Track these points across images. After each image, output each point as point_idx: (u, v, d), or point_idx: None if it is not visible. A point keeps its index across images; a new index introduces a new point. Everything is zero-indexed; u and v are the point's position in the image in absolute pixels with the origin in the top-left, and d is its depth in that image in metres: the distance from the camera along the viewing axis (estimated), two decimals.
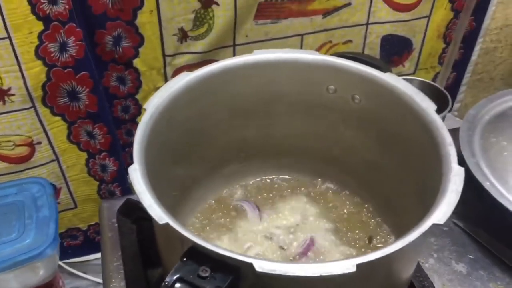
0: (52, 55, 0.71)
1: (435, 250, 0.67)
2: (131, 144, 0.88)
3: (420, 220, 0.42)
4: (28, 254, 0.63)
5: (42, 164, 0.81)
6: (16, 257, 0.63)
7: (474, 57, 1.02)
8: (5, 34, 0.67)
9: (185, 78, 0.56)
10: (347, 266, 0.38)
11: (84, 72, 0.74)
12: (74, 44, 0.71)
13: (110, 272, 0.63)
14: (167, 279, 0.38)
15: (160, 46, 0.79)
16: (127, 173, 0.89)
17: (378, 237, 0.63)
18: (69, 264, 0.95)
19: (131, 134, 0.87)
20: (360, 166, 0.65)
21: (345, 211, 0.66)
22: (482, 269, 0.65)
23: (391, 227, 0.64)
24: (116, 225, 0.69)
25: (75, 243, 0.94)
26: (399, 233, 0.42)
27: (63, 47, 0.71)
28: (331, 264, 0.38)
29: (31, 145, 0.78)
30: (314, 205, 0.67)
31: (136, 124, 0.86)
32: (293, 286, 0.41)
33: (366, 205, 0.67)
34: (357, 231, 0.64)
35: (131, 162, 0.47)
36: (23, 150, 0.78)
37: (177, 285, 0.38)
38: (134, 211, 0.67)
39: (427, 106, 0.53)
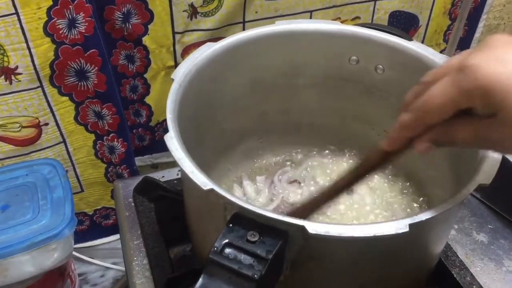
0: (60, 32, 0.69)
1: (456, 222, 0.67)
2: (139, 125, 0.87)
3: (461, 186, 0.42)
4: (45, 235, 0.61)
5: (49, 147, 0.79)
6: (33, 238, 0.61)
7: (477, 34, 1.02)
8: (12, 10, 0.65)
9: (209, 49, 0.55)
10: (400, 226, 0.37)
11: (93, 50, 0.72)
12: (83, 21, 0.69)
13: (131, 250, 0.61)
14: (216, 244, 0.37)
15: (170, 23, 0.77)
16: (135, 155, 0.87)
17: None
18: (75, 249, 0.92)
19: (139, 114, 0.85)
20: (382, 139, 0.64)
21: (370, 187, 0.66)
22: (503, 238, 0.65)
23: (421, 202, 0.64)
24: (133, 204, 0.67)
25: (82, 228, 0.92)
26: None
27: (72, 24, 0.69)
28: (384, 225, 0.37)
29: (38, 127, 0.76)
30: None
31: (145, 104, 0.84)
32: (342, 248, 0.40)
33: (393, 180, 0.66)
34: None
35: (162, 133, 0.45)
36: (29, 132, 0.76)
37: (227, 250, 0.36)
38: (151, 190, 0.65)
39: None
